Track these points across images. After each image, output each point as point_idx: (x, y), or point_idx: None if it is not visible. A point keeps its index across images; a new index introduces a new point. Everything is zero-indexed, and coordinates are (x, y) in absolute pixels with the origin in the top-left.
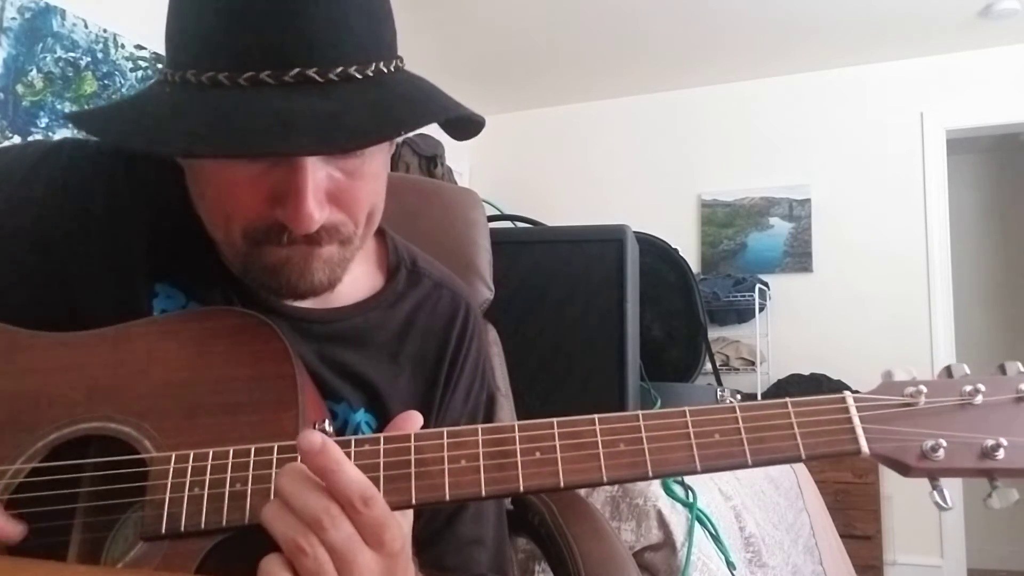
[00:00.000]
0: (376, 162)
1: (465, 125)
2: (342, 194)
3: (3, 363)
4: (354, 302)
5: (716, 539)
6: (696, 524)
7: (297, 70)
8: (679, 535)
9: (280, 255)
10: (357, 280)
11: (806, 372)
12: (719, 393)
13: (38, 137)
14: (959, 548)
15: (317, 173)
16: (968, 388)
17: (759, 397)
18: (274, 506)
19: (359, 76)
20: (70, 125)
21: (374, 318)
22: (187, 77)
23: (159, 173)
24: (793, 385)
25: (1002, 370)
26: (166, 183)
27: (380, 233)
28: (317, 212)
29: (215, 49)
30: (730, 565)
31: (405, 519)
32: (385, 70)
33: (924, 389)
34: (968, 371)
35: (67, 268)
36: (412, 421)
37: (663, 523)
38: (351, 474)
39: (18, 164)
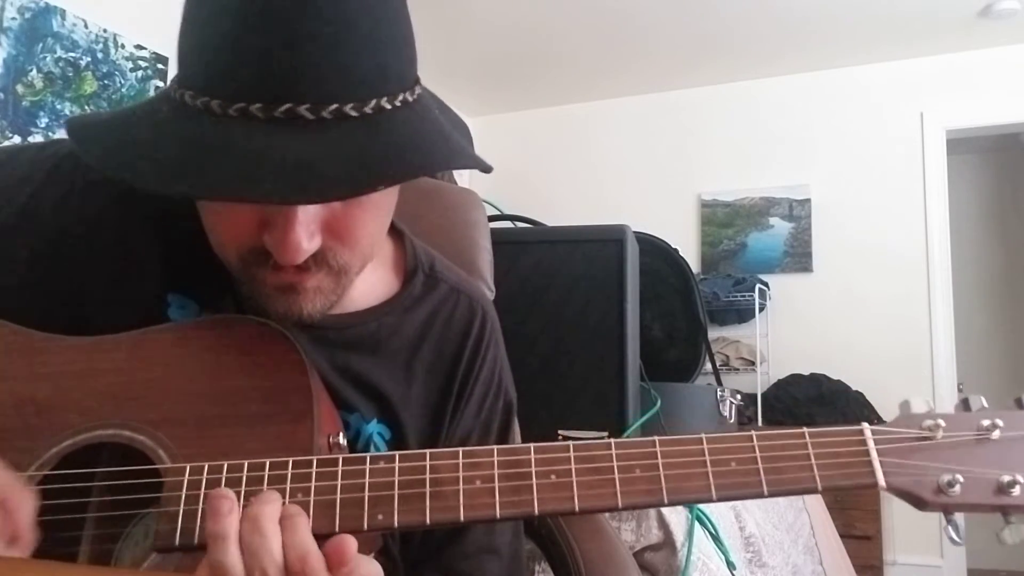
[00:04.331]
0: (377, 193)
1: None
2: (338, 223)
3: (18, 366)
4: (368, 307)
5: (716, 539)
6: (696, 524)
7: (288, 106)
8: (679, 535)
9: (268, 281)
10: (372, 284)
11: (806, 372)
12: (719, 393)
13: (38, 137)
14: (959, 548)
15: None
16: (986, 422)
17: (759, 397)
18: (227, 549)
19: (354, 114)
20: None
21: (388, 323)
22: (185, 98)
23: None
24: (793, 385)
25: (1019, 404)
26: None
27: (399, 235)
28: (305, 243)
29: (212, 75)
30: (730, 565)
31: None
32: (388, 106)
33: (942, 423)
34: (985, 403)
35: (79, 275)
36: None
37: (663, 523)
38: (303, 541)
39: (35, 170)
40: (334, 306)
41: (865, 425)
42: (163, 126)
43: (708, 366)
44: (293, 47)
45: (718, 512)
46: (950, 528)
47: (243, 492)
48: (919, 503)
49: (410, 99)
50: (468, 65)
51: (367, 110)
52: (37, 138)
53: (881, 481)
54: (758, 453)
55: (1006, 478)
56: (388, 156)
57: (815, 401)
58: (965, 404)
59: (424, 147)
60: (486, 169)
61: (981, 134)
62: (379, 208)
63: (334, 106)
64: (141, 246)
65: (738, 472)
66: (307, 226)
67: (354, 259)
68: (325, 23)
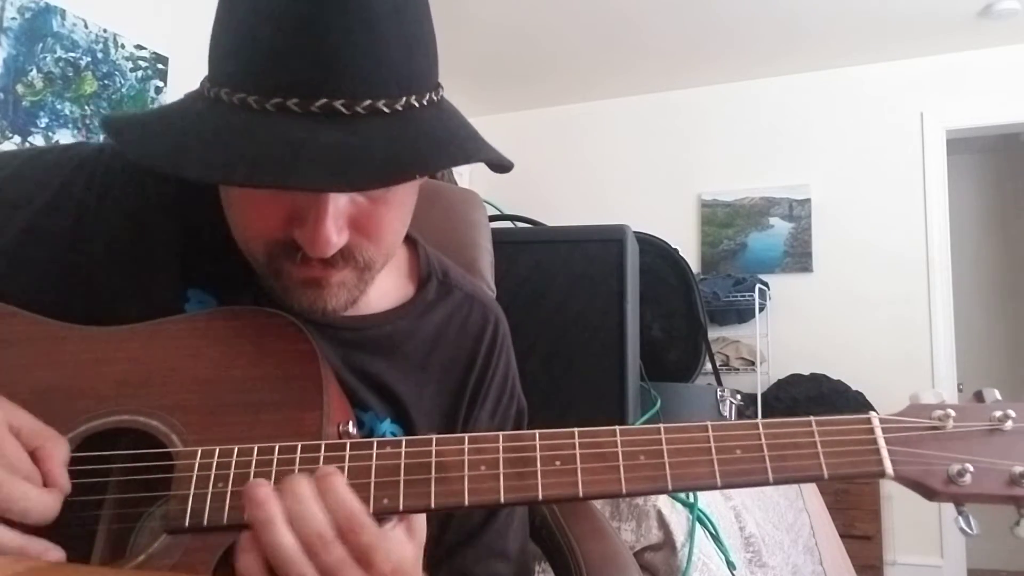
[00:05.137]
0: (403, 189)
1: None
2: (364, 219)
3: (38, 354)
4: (383, 310)
5: (716, 539)
6: (696, 524)
7: (324, 100)
8: (679, 535)
9: (295, 275)
10: (387, 289)
11: (806, 372)
12: (719, 393)
13: (38, 137)
14: (959, 548)
15: (339, 198)
16: (998, 413)
17: (759, 397)
18: (277, 530)
19: (387, 110)
20: (70, 125)
21: (403, 327)
22: (220, 95)
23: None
24: (793, 385)
25: None
26: (200, 190)
27: (412, 242)
28: (335, 237)
29: (248, 72)
30: (730, 565)
31: (414, 540)
32: (416, 104)
33: (952, 413)
34: (999, 396)
35: (101, 272)
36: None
37: (663, 523)
38: (344, 499)
39: (59, 168)
40: (356, 302)
41: (873, 414)
42: (201, 120)
43: (708, 366)
44: (329, 45)
45: (718, 512)
46: (961, 520)
47: (252, 475)
48: (929, 493)
49: (435, 99)
50: (468, 65)
51: (398, 107)
52: (37, 138)
53: (889, 470)
54: (764, 441)
55: (1018, 469)
56: (423, 146)
57: (815, 401)
58: (978, 396)
59: (455, 140)
60: (508, 167)
61: (981, 134)
62: (403, 206)
63: (368, 102)
64: (161, 242)
65: (743, 459)
66: (336, 220)
67: (378, 255)
68: (358, 22)
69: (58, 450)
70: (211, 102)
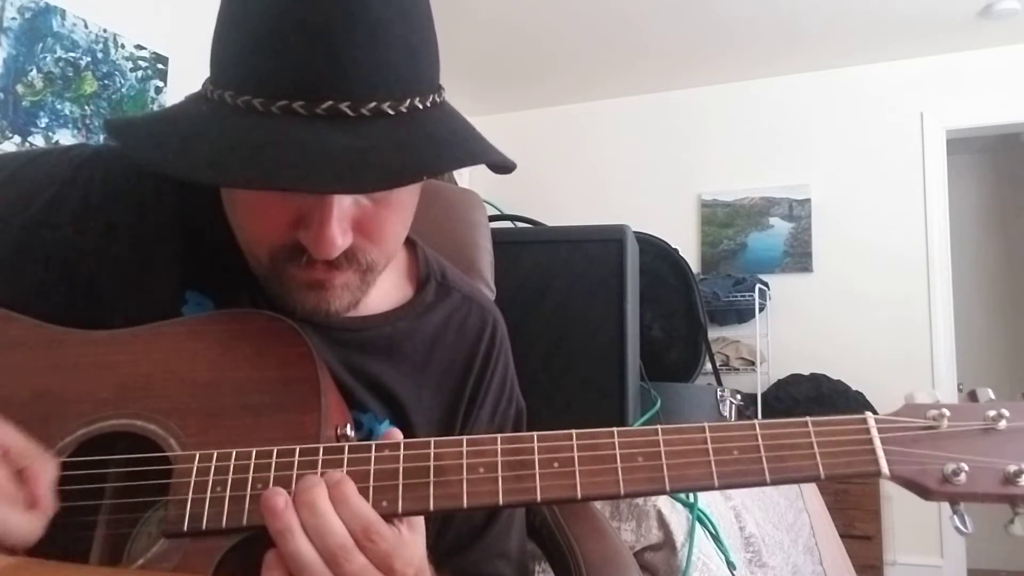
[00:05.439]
0: (405, 192)
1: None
2: (367, 221)
3: (36, 359)
4: (382, 311)
5: (716, 539)
6: (696, 524)
7: (329, 103)
8: (679, 535)
9: (299, 277)
10: (387, 291)
11: (806, 372)
12: (719, 393)
13: (38, 137)
14: (959, 548)
15: (344, 200)
16: (992, 413)
17: (759, 397)
18: (296, 540)
19: (391, 112)
20: (70, 125)
21: (402, 328)
22: (224, 97)
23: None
24: (793, 385)
25: None
26: (199, 192)
27: (411, 244)
28: (340, 239)
29: (253, 75)
30: (730, 565)
31: (418, 535)
32: (420, 106)
33: (947, 412)
34: (993, 395)
35: (100, 274)
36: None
37: (663, 523)
38: (359, 509)
39: (59, 170)
40: (359, 304)
41: (868, 414)
42: (206, 123)
43: (708, 366)
44: (334, 47)
45: (718, 512)
46: (956, 518)
47: (250, 479)
48: (924, 492)
49: (437, 100)
50: (468, 65)
51: (402, 109)
52: (37, 138)
53: (885, 469)
54: (761, 441)
55: (1012, 468)
56: (428, 148)
57: (815, 401)
58: (972, 395)
59: (459, 142)
60: (510, 168)
61: (981, 134)
62: (405, 208)
63: (372, 104)
64: (160, 244)
65: (741, 460)
66: (341, 222)
67: (381, 257)
68: (361, 24)
69: (44, 471)
70: (215, 104)
